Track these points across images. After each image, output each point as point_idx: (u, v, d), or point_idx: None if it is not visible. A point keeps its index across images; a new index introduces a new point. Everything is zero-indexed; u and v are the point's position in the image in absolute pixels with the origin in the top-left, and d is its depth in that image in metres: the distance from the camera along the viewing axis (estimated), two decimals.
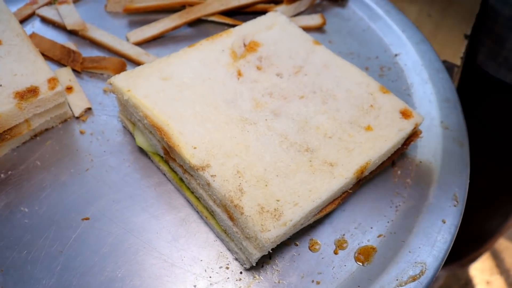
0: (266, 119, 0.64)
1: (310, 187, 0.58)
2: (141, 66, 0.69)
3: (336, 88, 0.70)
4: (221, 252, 0.61)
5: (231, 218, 0.57)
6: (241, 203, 0.55)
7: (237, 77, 0.69)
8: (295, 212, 0.55)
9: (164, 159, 0.66)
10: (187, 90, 0.66)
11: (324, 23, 0.91)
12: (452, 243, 0.62)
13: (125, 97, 0.64)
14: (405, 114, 0.67)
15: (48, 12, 0.90)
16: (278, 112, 0.66)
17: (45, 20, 0.90)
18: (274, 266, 0.60)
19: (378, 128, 0.65)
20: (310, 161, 0.60)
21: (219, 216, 0.59)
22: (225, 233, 0.60)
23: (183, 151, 0.59)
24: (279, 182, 0.58)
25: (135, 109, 0.64)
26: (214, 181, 0.56)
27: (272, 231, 0.53)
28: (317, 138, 0.63)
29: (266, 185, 0.57)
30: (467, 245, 1.39)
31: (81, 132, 0.73)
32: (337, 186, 0.59)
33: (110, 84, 0.66)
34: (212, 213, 0.61)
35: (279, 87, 0.69)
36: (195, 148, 0.59)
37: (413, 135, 0.69)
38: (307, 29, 0.89)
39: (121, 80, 0.66)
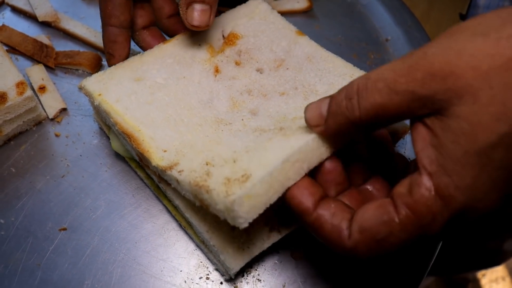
0: (242, 119, 0.61)
1: (282, 147, 0.50)
2: (113, 67, 0.65)
3: (319, 82, 0.66)
4: (201, 262, 0.60)
5: (203, 204, 0.51)
6: (207, 183, 0.49)
7: (214, 74, 0.66)
8: (264, 169, 0.47)
9: (140, 165, 0.64)
10: (160, 91, 0.63)
11: (310, 7, 0.86)
12: (436, 255, 0.60)
13: (95, 102, 0.61)
14: None
15: (19, 1, 0.85)
16: (256, 111, 0.62)
17: (15, 10, 0.86)
18: (255, 276, 0.59)
19: None
20: (283, 130, 0.55)
21: (196, 228, 0.57)
22: (204, 244, 0.59)
23: (152, 155, 0.56)
24: (249, 156, 0.52)
25: (106, 114, 0.61)
26: (180, 175, 0.52)
27: (237, 193, 0.46)
28: (293, 122, 0.57)
29: (235, 162, 0.52)
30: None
31: (56, 135, 0.70)
32: (313, 135, 0.50)
33: (81, 88, 0.63)
34: (189, 224, 0.59)
35: (258, 84, 0.65)
36: (165, 151, 0.56)
37: (401, 132, 0.66)
38: (292, 13, 0.85)
39: (92, 84, 0.63)
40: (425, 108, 0.39)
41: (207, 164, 0.53)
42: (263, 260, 0.60)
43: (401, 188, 0.41)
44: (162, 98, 0.62)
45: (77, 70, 0.78)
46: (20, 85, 0.64)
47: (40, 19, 0.81)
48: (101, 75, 0.64)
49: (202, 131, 0.59)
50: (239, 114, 0.62)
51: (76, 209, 0.64)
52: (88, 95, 0.63)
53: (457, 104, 0.37)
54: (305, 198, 0.46)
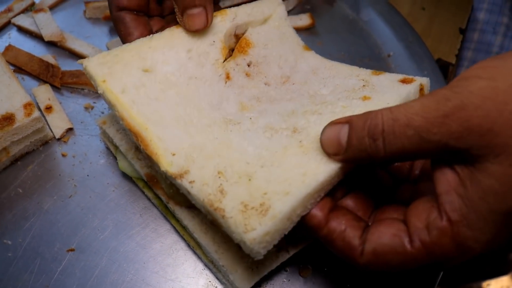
0: (250, 118, 0.59)
1: (304, 171, 0.48)
2: (118, 49, 0.60)
3: (324, 88, 0.65)
4: (209, 281, 0.60)
5: (216, 223, 0.50)
6: (222, 205, 0.48)
7: (225, 81, 0.64)
8: (285, 203, 0.46)
9: (148, 184, 0.64)
10: (171, 89, 0.59)
11: (313, 24, 0.87)
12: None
13: (99, 90, 0.57)
14: (405, 81, 0.59)
15: (25, 21, 0.86)
16: (264, 112, 0.60)
17: (22, 30, 0.86)
18: None
19: (376, 98, 0.57)
20: (300, 141, 0.52)
21: (205, 249, 0.57)
22: (212, 263, 0.59)
23: (160, 159, 0.52)
24: (265, 173, 0.50)
25: (111, 105, 0.57)
26: (192, 187, 0.50)
27: (257, 229, 0.45)
28: (306, 119, 0.56)
29: (250, 180, 0.50)
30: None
31: (63, 155, 0.71)
32: (336, 166, 0.48)
33: (84, 69, 0.58)
34: (198, 244, 0.59)
35: (267, 94, 0.64)
36: (174, 155, 0.53)
37: None
38: (295, 30, 0.85)
39: (95, 66, 0.57)
40: (456, 157, 0.38)
41: (219, 176, 0.51)
42: (271, 278, 0.60)
43: (418, 222, 0.41)
44: (172, 96, 0.59)
45: (83, 89, 0.78)
46: (27, 106, 0.65)
47: (46, 39, 0.82)
48: (105, 56, 0.59)
49: (211, 132, 0.57)
50: (248, 114, 0.60)
51: (84, 229, 0.64)
52: (91, 79, 0.58)
53: (490, 162, 0.36)
54: (315, 211, 0.47)
